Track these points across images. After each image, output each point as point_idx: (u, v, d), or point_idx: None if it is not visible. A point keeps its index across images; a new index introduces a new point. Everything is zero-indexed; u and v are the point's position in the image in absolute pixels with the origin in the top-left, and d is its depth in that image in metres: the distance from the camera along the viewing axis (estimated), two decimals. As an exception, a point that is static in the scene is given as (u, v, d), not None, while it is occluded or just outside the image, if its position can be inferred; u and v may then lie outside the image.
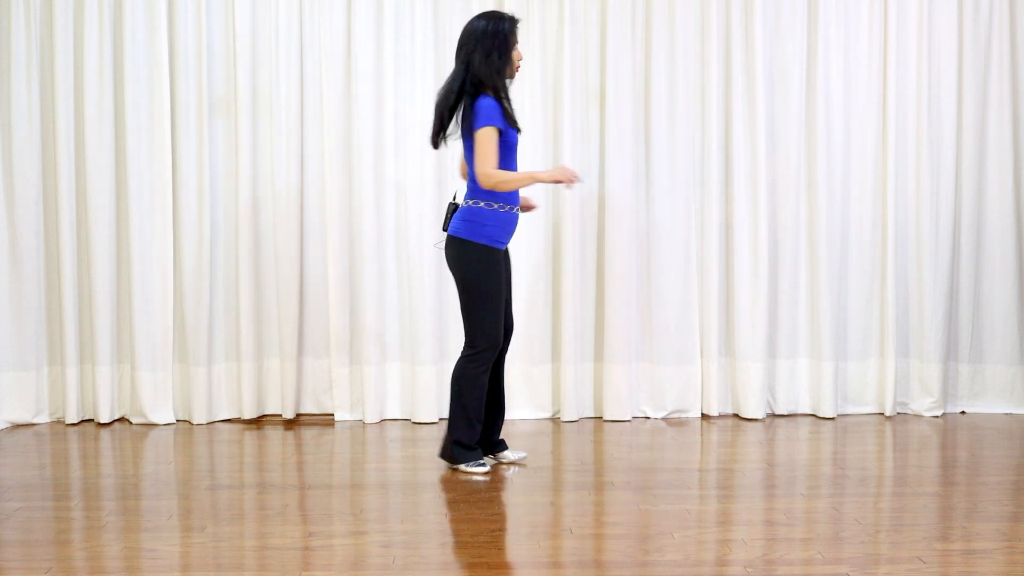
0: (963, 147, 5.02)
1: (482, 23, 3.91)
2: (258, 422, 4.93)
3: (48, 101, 4.80)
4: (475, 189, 3.92)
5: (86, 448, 4.47)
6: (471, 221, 3.90)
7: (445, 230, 3.99)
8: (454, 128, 3.95)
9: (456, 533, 3.25)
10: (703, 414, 5.02)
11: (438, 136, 3.98)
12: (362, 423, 4.91)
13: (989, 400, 5.12)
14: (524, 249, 4.83)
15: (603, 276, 4.93)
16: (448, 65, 4.85)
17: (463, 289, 3.94)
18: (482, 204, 3.90)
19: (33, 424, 4.86)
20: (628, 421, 4.91)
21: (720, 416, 5.01)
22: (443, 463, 4.08)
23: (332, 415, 4.99)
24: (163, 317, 4.86)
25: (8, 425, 4.81)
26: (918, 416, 5.03)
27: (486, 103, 3.84)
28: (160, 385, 4.87)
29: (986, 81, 5.00)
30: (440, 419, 4.92)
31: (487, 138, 3.82)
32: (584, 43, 4.89)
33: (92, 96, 4.76)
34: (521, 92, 4.84)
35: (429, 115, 4.80)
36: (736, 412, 5.03)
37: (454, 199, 4.06)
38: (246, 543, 3.17)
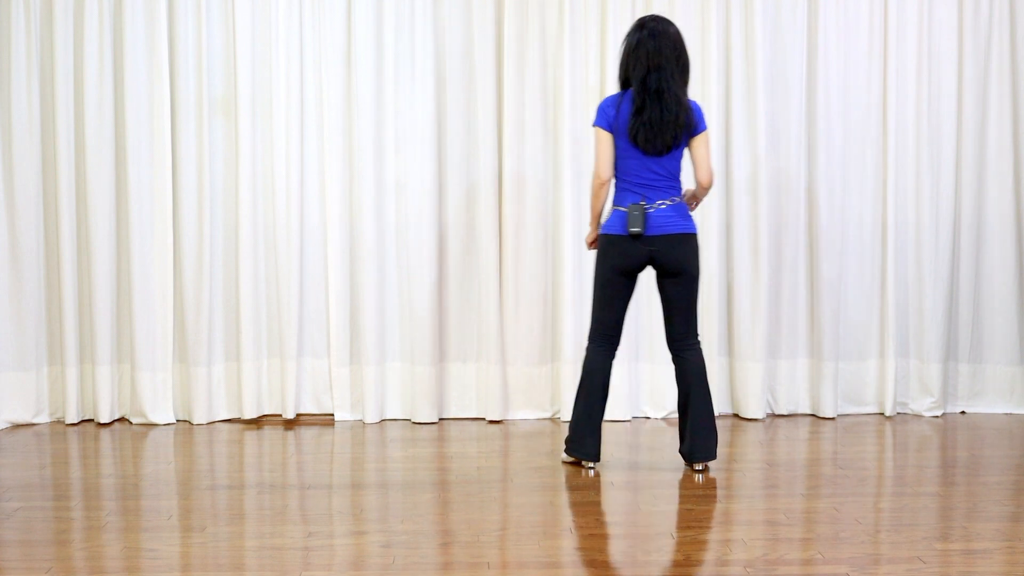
0: (963, 147, 5.02)
1: (677, 28, 3.90)
2: (258, 422, 4.93)
3: (48, 101, 4.80)
4: (679, 185, 3.96)
5: (86, 448, 4.47)
6: (690, 216, 4.00)
7: (641, 231, 3.83)
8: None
9: (456, 533, 3.25)
10: (703, 414, 5.01)
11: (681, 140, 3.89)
12: (362, 423, 4.91)
13: (989, 400, 5.13)
14: (524, 249, 4.84)
15: (603, 276, 4.92)
16: (447, 65, 4.87)
17: (696, 279, 3.95)
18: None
19: (33, 424, 4.86)
20: (628, 421, 4.91)
21: (720, 416, 5.00)
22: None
23: (332, 415, 5.00)
24: (163, 317, 4.86)
25: (8, 425, 4.81)
26: (918, 416, 5.03)
27: (698, 105, 3.96)
28: (160, 385, 4.87)
29: (986, 81, 5.00)
30: (440, 419, 4.93)
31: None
32: (584, 42, 4.89)
33: (92, 96, 4.76)
34: (521, 91, 4.84)
35: (430, 115, 4.83)
36: (736, 412, 5.03)
37: (641, 201, 3.87)
38: (246, 543, 3.17)
